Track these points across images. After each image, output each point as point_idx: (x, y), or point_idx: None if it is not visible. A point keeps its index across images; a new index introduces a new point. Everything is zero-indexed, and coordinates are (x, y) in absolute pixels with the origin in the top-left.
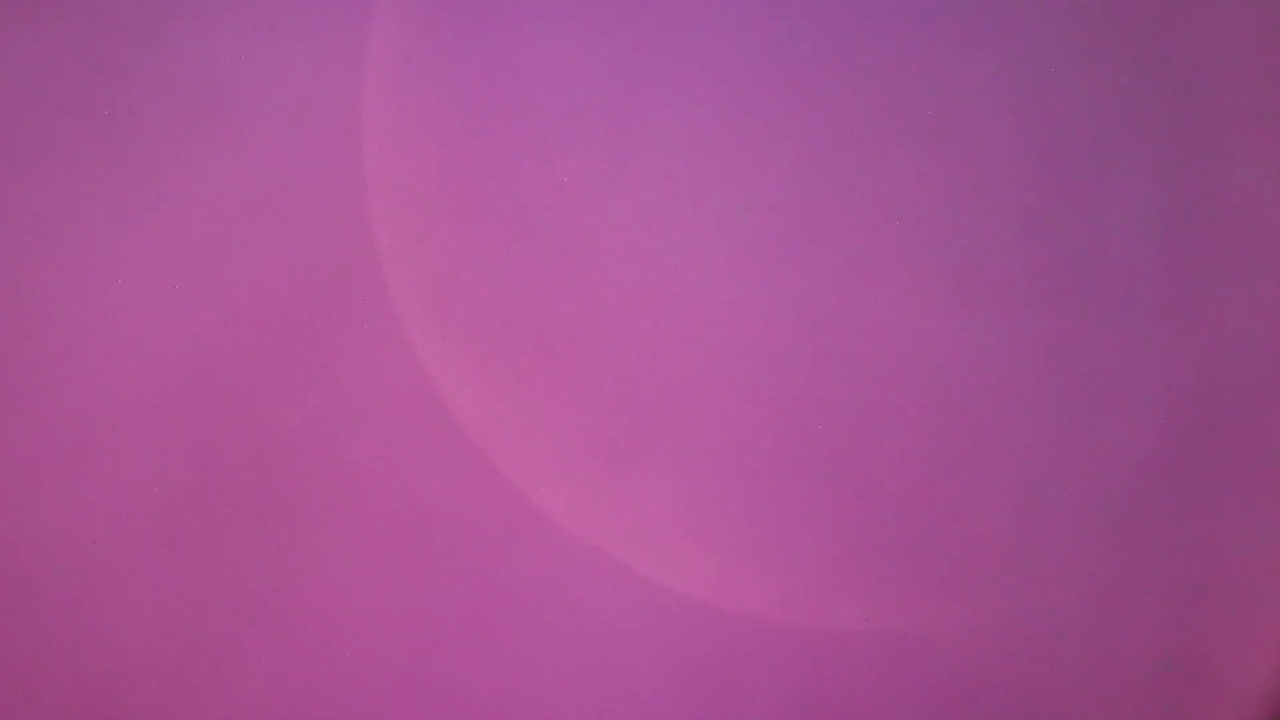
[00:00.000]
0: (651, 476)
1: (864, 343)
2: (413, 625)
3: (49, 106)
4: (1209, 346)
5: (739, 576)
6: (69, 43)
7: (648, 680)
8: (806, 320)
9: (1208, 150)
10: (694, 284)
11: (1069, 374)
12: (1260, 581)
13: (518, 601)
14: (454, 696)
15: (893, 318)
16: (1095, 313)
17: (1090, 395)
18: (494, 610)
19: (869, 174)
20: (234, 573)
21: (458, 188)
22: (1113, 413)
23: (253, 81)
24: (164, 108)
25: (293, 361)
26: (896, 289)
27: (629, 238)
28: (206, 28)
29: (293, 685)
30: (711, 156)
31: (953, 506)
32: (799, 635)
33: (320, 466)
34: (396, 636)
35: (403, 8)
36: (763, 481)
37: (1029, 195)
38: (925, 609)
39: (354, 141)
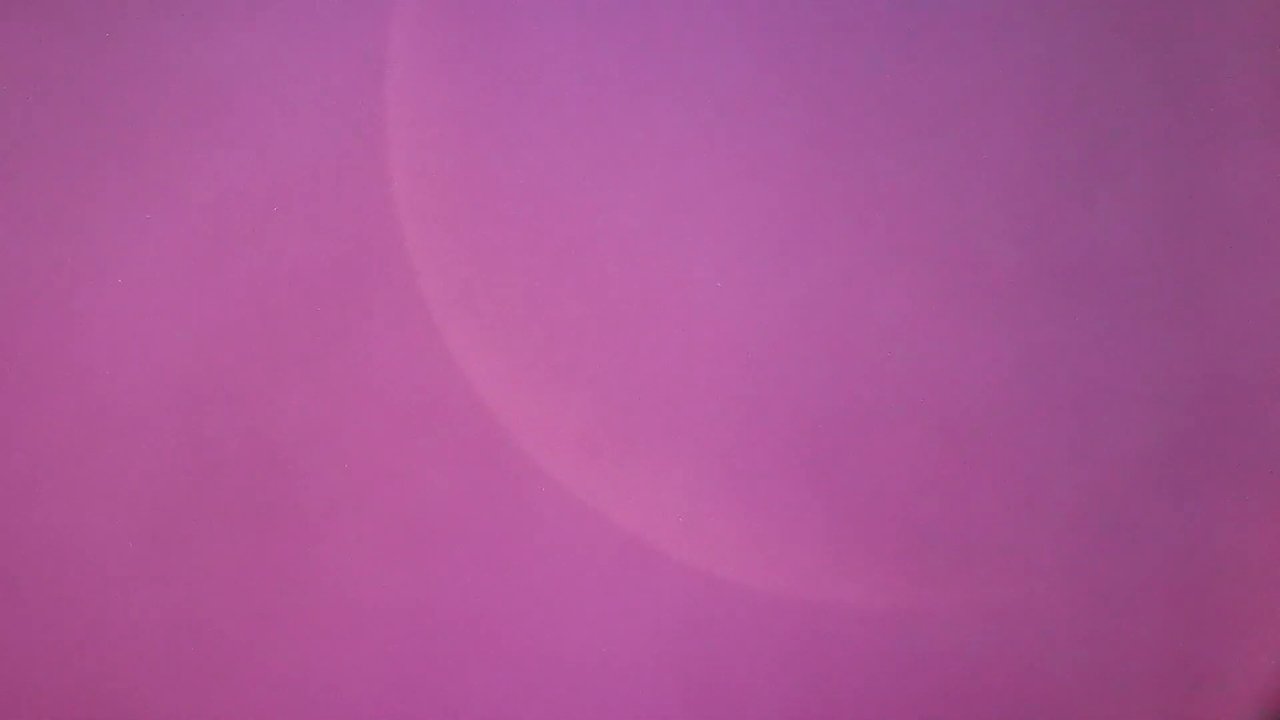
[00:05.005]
0: (666, 463)
1: (867, 337)
2: (424, 619)
3: (51, 104)
4: (1209, 346)
5: (748, 557)
6: (72, 40)
7: (659, 657)
8: (811, 315)
9: (1208, 150)
10: (706, 279)
11: (1068, 372)
12: (1260, 581)
13: (532, 583)
14: (466, 688)
15: (894, 314)
16: (1095, 312)
17: (1090, 393)
18: (507, 597)
19: (871, 172)
20: (239, 572)
21: (476, 183)
22: (1112, 411)
23: (257, 80)
24: (167, 106)
25: (298, 358)
26: (898, 286)
27: (643, 233)
28: (215, 26)
29: (299, 685)
30: (720, 153)
31: (953, 500)
32: (804, 614)
33: (327, 463)
34: (407, 631)
35: (418, 5)
36: (770, 469)
37: (1029, 195)
38: (925, 596)
39: (356, 140)
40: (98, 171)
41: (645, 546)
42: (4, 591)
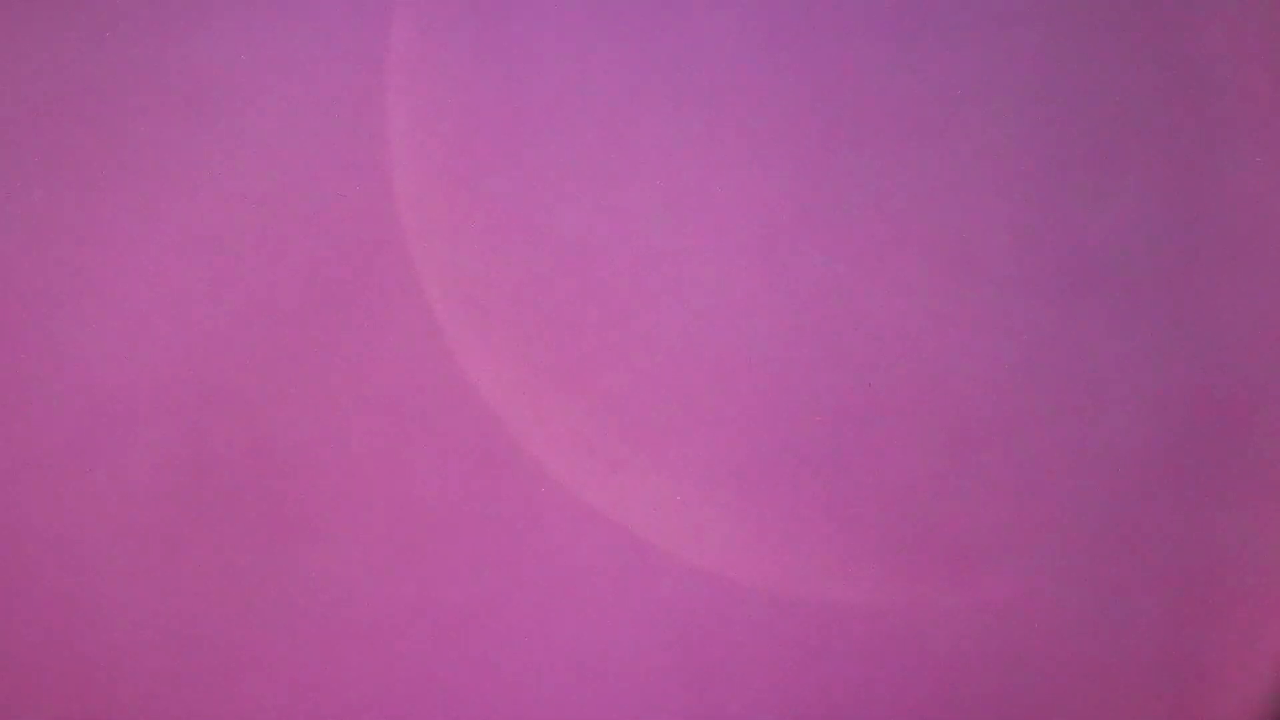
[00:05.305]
0: (667, 463)
1: (867, 336)
2: (424, 619)
3: (51, 104)
4: (1209, 346)
5: (749, 557)
6: (72, 40)
7: (659, 657)
8: (813, 314)
9: (1208, 150)
10: (707, 278)
11: (1068, 371)
12: (1260, 581)
13: (532, 583)
14: (466, 688)
15: (895, 314)
16: (1094, 311)
17: (1090, 393)
18: (508, 598)
19: (872, 172)
20: (239, 572)
21: (477, 183)
22: (1112, 410)
23: (258, 80)
24: (168, 106)
25: (299, 358)
26: (899, 286)
27: (644, 233)
28: (215, 26)
29: (298, 685)
30: (721, 153)
31: (953, 500)
32: (805, 614)
33: (328, 463)
34: (407, 631)
35: (419, 5)
36: (771, 468)
37: (1029, 194)
38: (925, 596)
39: (356, 140)
40: (98, 172)
41: (646, 546)
42: (4, 591)
